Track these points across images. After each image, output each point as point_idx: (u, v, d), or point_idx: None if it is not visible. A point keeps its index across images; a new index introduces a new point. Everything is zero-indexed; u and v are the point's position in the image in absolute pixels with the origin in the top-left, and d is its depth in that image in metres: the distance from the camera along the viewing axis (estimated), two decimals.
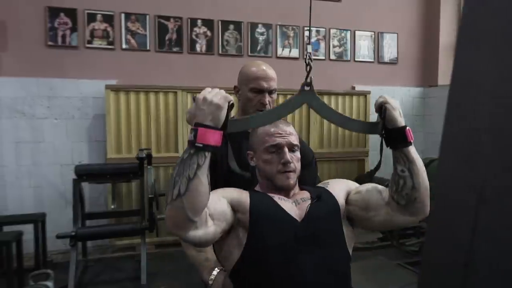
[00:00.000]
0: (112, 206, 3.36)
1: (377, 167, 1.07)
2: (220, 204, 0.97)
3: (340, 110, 4.15)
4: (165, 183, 3.54)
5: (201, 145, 0.85)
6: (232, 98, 0.92)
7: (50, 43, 3.42)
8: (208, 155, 0.86)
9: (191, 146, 0.85)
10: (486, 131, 0.37)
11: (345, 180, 1.20)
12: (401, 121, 0.99)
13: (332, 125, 4.06)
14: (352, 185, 1.16)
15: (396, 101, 1.02)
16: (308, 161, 1.41)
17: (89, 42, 3.53)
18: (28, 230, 2.83)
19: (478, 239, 0.39)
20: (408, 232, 3.68)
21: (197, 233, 0.88)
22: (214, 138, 0.85)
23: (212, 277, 1.13)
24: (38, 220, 2.94)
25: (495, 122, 0.37)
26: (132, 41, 3.65)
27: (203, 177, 0.86)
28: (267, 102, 1.37)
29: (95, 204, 3.52)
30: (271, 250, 0.97)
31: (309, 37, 1.11)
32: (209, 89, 0.91)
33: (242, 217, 1.00)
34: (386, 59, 4.51)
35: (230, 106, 0.90)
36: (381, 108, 1.00)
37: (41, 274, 2.62)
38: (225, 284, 1.07)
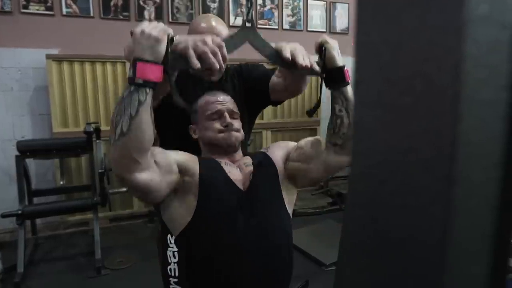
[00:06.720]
0: (61, 182, 3.25)
1: (317, 105, 1.12)
2: (166, 157, 0.95)
3: None
4: None
5: (141, 81, 0.81)
6: (171, 30, 0.86)
7: None
8: (149, 91, 0.82)
9: (131, 83, 0.81)
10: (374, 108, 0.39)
11: (285, 142, 1.23)
12: (340, 60, 1.04)
13: None
14: (291, 144, 1.20)
15: (335, 41, 1.06)
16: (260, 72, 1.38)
17: (25, 7, 3.24)
18: None
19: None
20: None
21: (142, 175, 0.86)
22: (154, 73, 0.81)
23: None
24: None
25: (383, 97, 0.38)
26: (74, 6, 3.40)
27: (146, 114, 0.82)
28: None
29: (43, 180, 3.37)
30: (218, 219, 0.99)
31: None
32: (147, 21, 0.86)
33: (190, 180, 0.99)
34: (338, 29, 4.57)
35: (170, 40, 0.85)
36: (321, 48, 1.04)
37: None
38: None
